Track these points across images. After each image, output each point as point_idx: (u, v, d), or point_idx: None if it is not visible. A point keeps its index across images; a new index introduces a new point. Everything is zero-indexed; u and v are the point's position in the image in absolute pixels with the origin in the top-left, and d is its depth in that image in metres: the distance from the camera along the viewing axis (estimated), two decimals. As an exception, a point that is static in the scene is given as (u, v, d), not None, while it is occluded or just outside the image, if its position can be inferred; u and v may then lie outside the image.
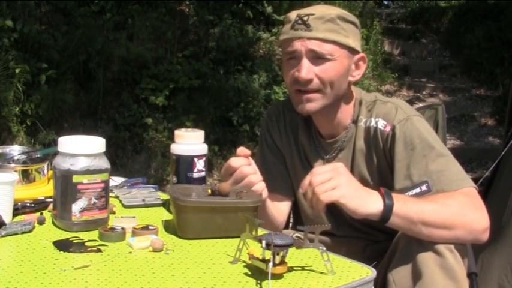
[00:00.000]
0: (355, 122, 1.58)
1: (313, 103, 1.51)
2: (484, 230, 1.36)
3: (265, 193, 1.48)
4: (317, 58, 1.48)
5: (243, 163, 1.44)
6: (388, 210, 1.29)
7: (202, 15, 6.36)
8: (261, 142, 1.75)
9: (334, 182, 1.29)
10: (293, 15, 1.51)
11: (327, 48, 1.48)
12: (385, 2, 11.97)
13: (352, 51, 1.53)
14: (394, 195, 1.33)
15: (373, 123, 1.53)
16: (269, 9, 6.74)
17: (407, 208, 1.31)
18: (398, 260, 1.36)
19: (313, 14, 1.48)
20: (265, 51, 6.55)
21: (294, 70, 1.50)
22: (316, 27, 1.47)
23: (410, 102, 6.95)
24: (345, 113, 1.58)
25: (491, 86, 7.68)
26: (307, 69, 1.48)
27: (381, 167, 1.53)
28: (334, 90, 1.52)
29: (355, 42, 1.53)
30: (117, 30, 5.74)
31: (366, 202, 1.30)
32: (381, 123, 1.51)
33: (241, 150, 1.46)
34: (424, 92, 7.76)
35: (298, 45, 1.48)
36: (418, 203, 1.33)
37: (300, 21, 1.48)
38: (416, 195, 1.39)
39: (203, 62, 5.82)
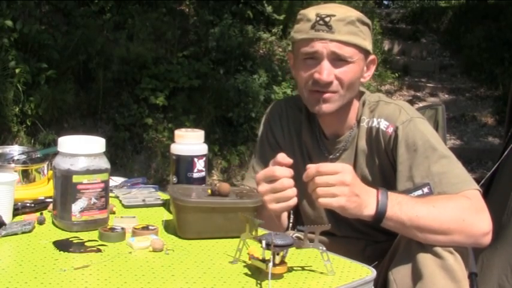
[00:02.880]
0: (358, 122, 1.58)
1: (331, 104, 1.51)
2: (484, 234, 1.35)
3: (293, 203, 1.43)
4: (337, 60, 1.47)
5: (286, 175, 1.39)
6: (379, 215, 1.31)
7: (202, 15, 6.36)
8: (262, 140, 1.73)
9: (336, 191, 1.28)
10: (311, 14, 1.48)
11: (347, 51, 1.47)
12: (385, 2, 11.99)
13: (367, 53, 1.54)
14: (391, 196, 1.33)
15: (375, 124, 1.53)
16: (269, 9, 6.73)
17: (401, 213, 1.31)
18: (399, 260, 1.36)
19: (334, 15, 1.46)
20: (265, 51, 6.55)
21: (312, 71, 1.49)
22: (338, 29, 1.45)
23: (411, 102, 6.95)
24: (352, 113, 1.58)
25: (491, 86, 7.68)
26: (328, 71, 1.47)
27: (382, 167, 1.53)
28: (350, 92, 1.52)
29: (370, 44, 1.53)
30: (117, 30, 5.74)
31: (361, 207, 1.31)
32: (384, 124, 1.51)
33: (283, 157, 1.41)
34: (424, 92, 7.76)
35: (319, 46, 1.46)
36: (414, 208, 1.32)
37: (321, 22, 1.46)
38: (418, 197, 1.39)
39: (203, 62, 5.82)
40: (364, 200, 1.31)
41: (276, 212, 1.39)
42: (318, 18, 1.47)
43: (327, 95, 1.50)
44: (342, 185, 1.29)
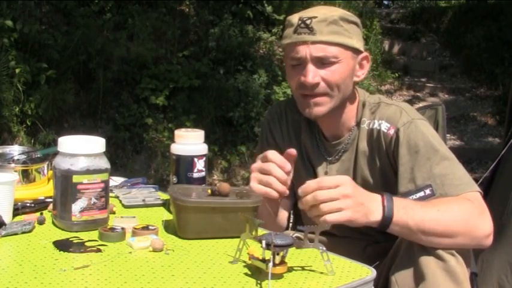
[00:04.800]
0: (358, 123, 1.58)
1: (321, 107, 1.51)
2: (486, 236, 1.35)
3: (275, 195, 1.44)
4: (322, 61, 1.47)
5: (277, 161, 1.40)
6: (386, 221, 1.30)
7: (202, 15, 6.36)
8: (262, 142, 1.74)
9: (341, 205, 1.24)
10: (295, 18, 1.49)
11: (331, 51, 1.46)
12: (385, 2, 11.98)
13: (356, 51, 1.52)
14: (396, 201, 1.31)
15: (376, 126, 1.53)
16: (269, 9, 6.73)
17: (407, 217, 1.30)
18: (400, 261, 1.36)
19: (315, 17, 1.46)
20: (265, 51, 6.55)
21: (299, 75, 1.49)
22: (319, 30, 1.45)
23: (410, 102, 6.95)
24: (350, 114, 1.58)
25: (491, 86, 7.68)
26: (313, 74, 1.47)
27: (383, 169, 1.52)
28: (341, 93, 1.51)
29: (358, 42, 1.52)
30: (117, 30, 5.75)
31: (367, 214, 1.29)
32: (385, 126, 1.50)
33: (292, 151, 1.43)
34: (424, 92, 7.76)
35: (302, 49, 1.47)
36: (419, 212, 1.31)
37: (302, 25, 1.46)
38: (420, 199, 1.39)
39: (203, 62, 5.82)
40: (369, 207, 1.29)
41: (257, 192, 1.39)
42: (299, 22, 1.47)
43: (317, 99, 1.50)
44: (345, 198, 1.25)
